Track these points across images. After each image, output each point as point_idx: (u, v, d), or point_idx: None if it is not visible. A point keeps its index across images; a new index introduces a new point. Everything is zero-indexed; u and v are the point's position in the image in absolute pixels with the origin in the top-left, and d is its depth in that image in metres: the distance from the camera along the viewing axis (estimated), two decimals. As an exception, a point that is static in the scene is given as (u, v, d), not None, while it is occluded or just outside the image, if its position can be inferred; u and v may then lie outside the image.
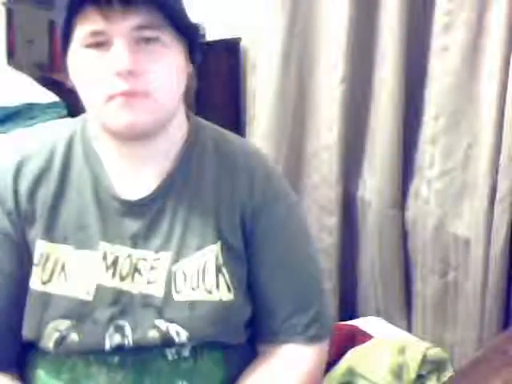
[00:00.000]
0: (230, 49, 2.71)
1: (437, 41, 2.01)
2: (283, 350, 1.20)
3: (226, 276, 1.15)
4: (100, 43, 1.07)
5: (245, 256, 1.18)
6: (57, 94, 2.98)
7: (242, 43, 2.68)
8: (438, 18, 1.99)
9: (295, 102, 2.38)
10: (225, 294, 1.15)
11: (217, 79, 2.64)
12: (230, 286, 1.15)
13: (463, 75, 1.96)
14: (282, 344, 1.20)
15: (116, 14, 1.05)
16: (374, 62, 2.19)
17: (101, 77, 1.07)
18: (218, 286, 1.14)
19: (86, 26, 1.06)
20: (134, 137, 1.13)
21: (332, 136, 2.26)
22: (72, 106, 2.85)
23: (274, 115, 2.39)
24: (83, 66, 1.09)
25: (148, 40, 1.08)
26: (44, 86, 3.08)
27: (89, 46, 1.07)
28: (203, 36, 2.62)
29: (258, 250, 1.19)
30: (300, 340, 1.20)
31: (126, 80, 1.06)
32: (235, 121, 2.69)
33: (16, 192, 1.17)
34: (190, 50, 1.15)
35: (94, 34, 1.07)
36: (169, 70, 1.10)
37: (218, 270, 1.15)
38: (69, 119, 2.71)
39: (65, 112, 2.94)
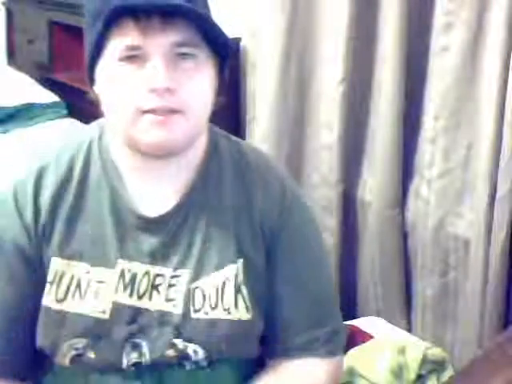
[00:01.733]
0: (230, 49, 2.70)
1: (437, 41, 2.01)
2: (295, 364, 1.18)
3: (245, 295, 1.13)
4: (135, 57, 1.03)
5: (265, 272, 1.16)
6: (57, 94, 2.97)
7: (242, 43, 2.68)
8: (438, 18, 1.99)
9: (295, 101, 2.37)
10: (243, 314, 1.13)
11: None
12: (248, 305, 1.13)
13: (463, 75, 1.96)
14: (295, 359, 1.18)
15: (154, 30, 1.02)
16: (374, 61, 2.19)
17: (135, 91, 1.04)
18: (236, 306, 1.12)
19: (123, 40, 1.03)
20: (162, 155, 1.09)
21: (332, 136, 2.26)
22: (72, 106, 2.84)
23: (274, 115, 2.39)
24: (116, 79, 1.05)
25: (184, 56, 1.05)
26: (44, 86, 3.07)
27: (122, 59, 1.04)
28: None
29: (277, 266, 1.17)
30: (313, 355, 1.18)
31: (162, 97, 1.02)
32: (235, 121, 2.68)
33: (36, 204, 1.13)
34: (221, 66, 1.12)
35: (130, 48, 1.03)
36: (202, 88, 1.08)
37: (237, 290, 1.13)
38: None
39: (65, 112, 2.93)
